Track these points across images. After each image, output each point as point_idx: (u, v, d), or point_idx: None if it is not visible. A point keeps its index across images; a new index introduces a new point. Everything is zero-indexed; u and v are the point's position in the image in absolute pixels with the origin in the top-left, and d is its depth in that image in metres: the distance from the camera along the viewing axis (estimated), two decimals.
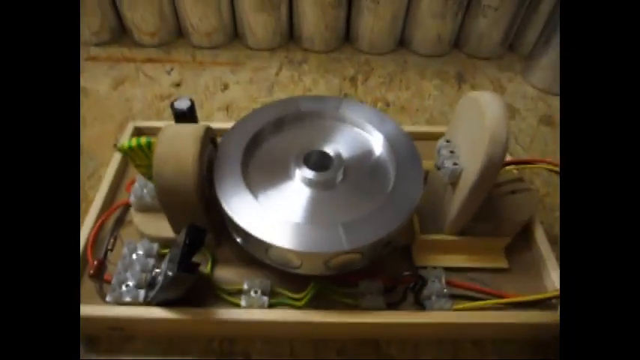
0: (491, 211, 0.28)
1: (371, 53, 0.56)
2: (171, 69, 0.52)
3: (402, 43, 0.57)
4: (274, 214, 0.24)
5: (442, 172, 0.26)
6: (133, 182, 0.31)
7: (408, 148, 0.28)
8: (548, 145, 0.44)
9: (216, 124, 0.33)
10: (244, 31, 0.54)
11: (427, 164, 0.29)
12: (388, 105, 0.48)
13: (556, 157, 0.43)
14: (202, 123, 0.28)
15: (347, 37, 0.57)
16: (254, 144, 0.28)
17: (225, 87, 0.50)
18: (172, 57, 0.54)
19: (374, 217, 0.24)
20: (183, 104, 0.31)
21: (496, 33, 0.53)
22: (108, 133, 0.44)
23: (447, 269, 0.28)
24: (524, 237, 0.31)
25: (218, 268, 0.29)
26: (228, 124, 0.32)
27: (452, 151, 0.27)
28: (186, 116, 0.31)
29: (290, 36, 0.56)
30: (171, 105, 0.31)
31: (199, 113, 0.33)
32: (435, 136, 0.35)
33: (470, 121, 0.25)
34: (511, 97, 0.50)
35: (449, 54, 0.56)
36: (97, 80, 0.50)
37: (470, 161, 0.25)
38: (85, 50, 0.55)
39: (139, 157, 0.26)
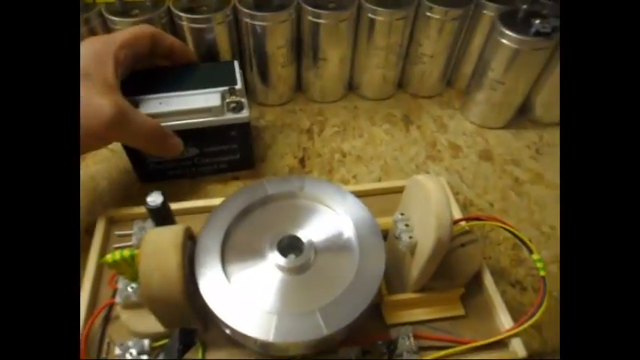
0: (445, 267, 0.32)
1: (323, 102, 0.60)
2: None
3: (351, 88, 0.61)
4: (255, 305, 0.27)
5: (400, 244, 0.30)
6: (114, 276, 0.33)
7: (369, 223, 0.32)
8: (489, 180, 0.50)
9: None
10: None
11: (385, 221, 0.34)
12: (345, 156, 0.52)
13: (495, 192, 0.48)
14: (180, 225, 0.30)
15: (299, 87, 0.60)
16: (228, 234, 0.31)
17: None
18: None
19: (347, 298, 0.28)
20: (157, 200, 0.33)
21: (434, 74, 0.59)
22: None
23: (413, 323, 0.32)
24: (475, 282, 0.35)
25: (209, 353, 0.31)
26: None
27: (407, 224, 0.31)
28: (161, 211, 0.34)
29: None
30: (145, 201, 0.33)
31: None
32: (390, 191, 0.41)
33: (418, 201, 0.29)
34: (453, 135, 0.56)
35: (394, 96, 0.62)
36: None
37: (423, 235, 0.29)
38: None
39: (123, 267, 0.28)
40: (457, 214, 0.38)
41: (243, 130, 0.46)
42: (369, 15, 0.51)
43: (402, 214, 0.31)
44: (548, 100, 0.55)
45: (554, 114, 0.56)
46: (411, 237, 0.30)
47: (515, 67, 0.49)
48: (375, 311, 0.33)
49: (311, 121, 0.57)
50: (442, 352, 0.31)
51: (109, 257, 0.28)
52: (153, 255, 0.27)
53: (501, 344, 0.31)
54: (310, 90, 0.59)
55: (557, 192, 0.49)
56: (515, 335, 0.31)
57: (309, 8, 0.50)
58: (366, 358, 0.30)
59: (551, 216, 0.45)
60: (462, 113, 0.58)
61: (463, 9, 0.52)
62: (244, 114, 0.44)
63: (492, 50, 0.50)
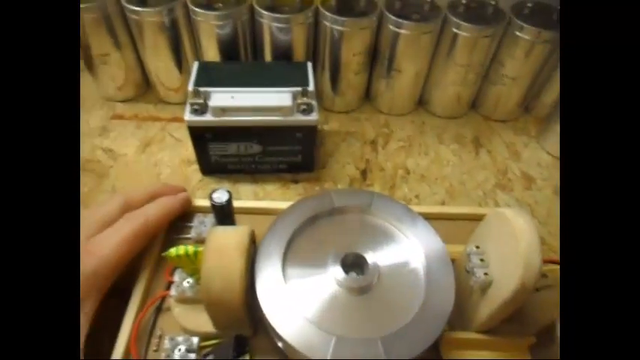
0: (516, 311, 0.30)
1: (390, 114, 0.58)
2: None
3: (420, 103, 0.59)
4: (315, 324, 0.26)
5: (473, 280, 0.28)
6: (170, 269, 0.33)
7: (440, 254, 0.30)
8: None
9: None
10: None
11: (452, 249, 0.31)
12: (408, 173, 0.50)
13: None
14: (245, 226, 0.29)
15: (367, 96, 0.59)
16: (291, 243, 0.30)
17: None
18: None
19: (410, 331, 0.26)
20: (222, 197, 0.33)
21: (513, 97, 0.55)
22: None
23: None
24: (548, 333, 0.32)
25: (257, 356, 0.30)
26: None
27: (482, 259, 0.28)
28: (225, 209, 0.33)
29: None
30: (210, 197, 0.33)
31: None
32: (456, 217, 0.37)
33: (500, 236, 0.27)
34: (527, 165, 0.52)
35: (465, 115, 0.59)
36: (124, 142, 0.52)
37: (501, 275, 0.26)
38: (111, 108, 0.57)
39: (185, 263, 0.28)
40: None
41: (310, 133, 0.45)
42: (454, 29, 0.49)
43: (478, 247, 0.29)
44: None
45: None
46: (486, 274, 0.28)
47: None
48: (432, 346, 0.31)
49: (376, 132, 0.55)
50: None
51: (172, 251, 0.27)
52: (217, 256, 0.26)
53: None
54: (378, 100, 0.57)
55: None
56: None
57: (392, 17, 0.48)
58: None
59: None
60: (539, 142, 0.54)
61: (555, 32, 0.48)
62: (313, 117, 0.43)
63: None
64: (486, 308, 0.28)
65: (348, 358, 0.25)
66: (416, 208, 0.39)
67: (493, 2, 0.49)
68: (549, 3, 0.51)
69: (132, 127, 0.54)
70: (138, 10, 0.48)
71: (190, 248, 0.28)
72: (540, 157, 0.53)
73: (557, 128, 0.51)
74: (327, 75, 0.54)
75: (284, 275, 0.28)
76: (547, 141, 0.54)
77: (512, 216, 0.26)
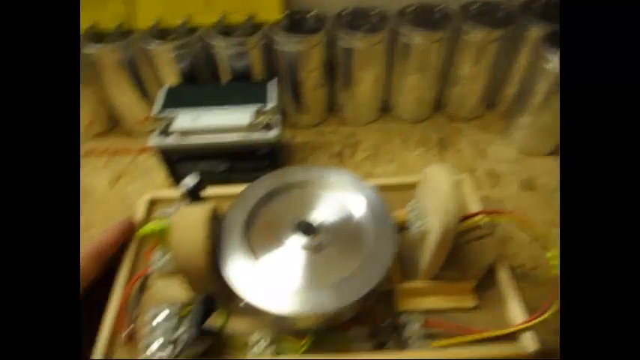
0: (459, 259, 0.35)
1: (356, 125, 0.59)
2: None
3: (386, 109, 0.61)
4: (272, 282, 0.32)
5: (412, 231, 0.35)
6: (150, 252, 0.38)
7: (381, 209, 0.35)
8: (531, 212, 0.47)
9: None
10: None
11: (401, 213, 0.37)
12: None
13: (539, 222, 0.46)
14: (207, 203, 0.35)
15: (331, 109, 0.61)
16: (251, 216, 0.36)
17: None
18: None
19: (357, 276, 0.31)
20: (191, 182, 0.37)
21: (474, 95, 0.57)
22: None
23: (425, 312, 0.35)
24: (491, 276, 0.37)
25: (231, 320, 0.35)
26: None
27: (417, 214, 0.35)
28: (194, 192, 0.37)
29: None
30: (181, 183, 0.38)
31: None
32: (407, 187, 0.42)
33: (430, 190, 0.33)
34: (493, 162, 0.54)
35: (430, 118, 0.60)
36: (95, 177, 0.54)
37: (433, 224, 0.32)
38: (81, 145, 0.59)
39: (160, 238, 0.34)
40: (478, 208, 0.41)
41: (273, 149, 0.46)
42: (404, 38, 0.51)
43: (416, 204, 0.35)
44: None
45: None
46: (421, 226, 0.34)
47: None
48: (387, 298, 0.36)
49: (342, 143, 0.57)
50: (451, 340, 0.33)
51: (146, 228, 0.34)
52: (181, 229, 0.32)
53: (512, 338, 0.33)
54: (343, 112, 0.60)
55: None
56: (526, 329, 0.33)
57: (342, 32, 0.50)
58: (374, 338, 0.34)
59: None
60: (504, 138, 0.56)
61: (504, 30, 0.49)
62: (274, 133, 0.45)
63: (537, 74, 0.47)
64: (426, 255, 0.34)
65: (303, 308, 0.30)
66: (373, 181, 0.41)
67: (440, 6, 0.51)
68: (496, 2, 0.52)
69: (102, 162, 0.56)
70: (93, 50, 0.49)
71: (161, 223, 0.34)
72: (506, 153, 0.55)
73: (522, 122, 0.53)
74: (288, 92, 0.55)
75: (244, 243, 0.33)
76: (512, 136, 0.55)
77: (435, 170, 0.33)
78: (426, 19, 0.54)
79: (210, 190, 0.41)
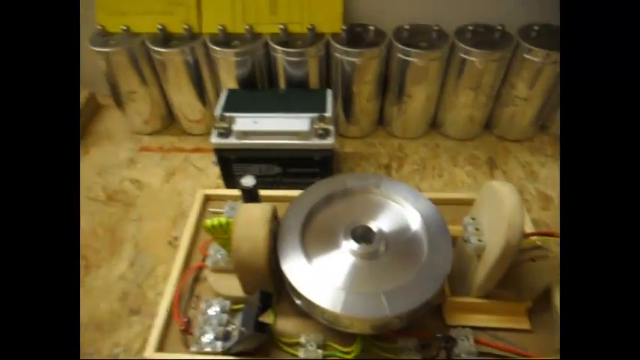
0: (514, 279, 0.35)
1: (404, 138, 0.60)
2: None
3: (434, 125, 0.61)
4: (329, 282, 0.33)
5: (469, 246, 0.34)
6: (205, 245, 0.40)
7: (438, 223, 0.36)
8: None
9: None
10: None
11: (455, 229, 0.37)
12: None
13: None
14: (268, 203, 0.36)
15: (380, 121, 0.62)
16: (309, 218, 0.37)
17: None
18: None
19: (411, 287, 0.32)
20: (249, 182, 0.39)
21: (526, 117, 0.56)
22: (161, 229, 0.49)
23: (475, 328, 0.35)
24: (545, 299, 0.36)
25: (278, 321, 0.36)
26: None
27: (477, 228, 0.35)
28: (252, 192, 0.39)
29: None
30: (239, 183, 0.39)
31: None
32: (461, 202, 0.43)
33: (491, 205, 0.33)
34: (543, 184, 0.53)
35: (479, 137, 0.60)
36: (150, 172, 0.56)
37: (492, 239, 0.33)
38: (138, 141, 0.61)
39: (218, 232, 0.35)
40: (530, 229, 0.41)
41: (327, 156, 0.48)
42: (462, 55, 0.51)
43: (473, 219, 0.35)
44: None
45: None
46: (480, 240, 0.33)
47: None
48: (437, 312, 0.36)
49: (390, 155, 0.58)
50: None
51: (208, 222, 0.34)
52: (245, 225, 0.34)
53: None
54: (392, 125, 0.60)
55: None
56: None
57: (400, 46, 0.51)
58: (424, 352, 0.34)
59: None
60: (556, 161, 0.55)
61: None
62: (330, 141, 0.47)
63: None
64: (482, 271, 0.34)
65: (355, 308, 0.30)
66: (427, 195, 0.41)
67: (500, 27, 0.51)
68: (556, 25, 0.52)
69: (157, 158, 0.58)
70: (161, 51, 0.52)
71: (223, 219, 0.35)
72: (558, 176, 0.54)
73: None
74: (340, 102, 0.56)
75: (302, 245, 0.34)
76: None
77: (498, 185, 0.33)
78: (485, 38, 0.54)
79: (264, 192, 0.43)
